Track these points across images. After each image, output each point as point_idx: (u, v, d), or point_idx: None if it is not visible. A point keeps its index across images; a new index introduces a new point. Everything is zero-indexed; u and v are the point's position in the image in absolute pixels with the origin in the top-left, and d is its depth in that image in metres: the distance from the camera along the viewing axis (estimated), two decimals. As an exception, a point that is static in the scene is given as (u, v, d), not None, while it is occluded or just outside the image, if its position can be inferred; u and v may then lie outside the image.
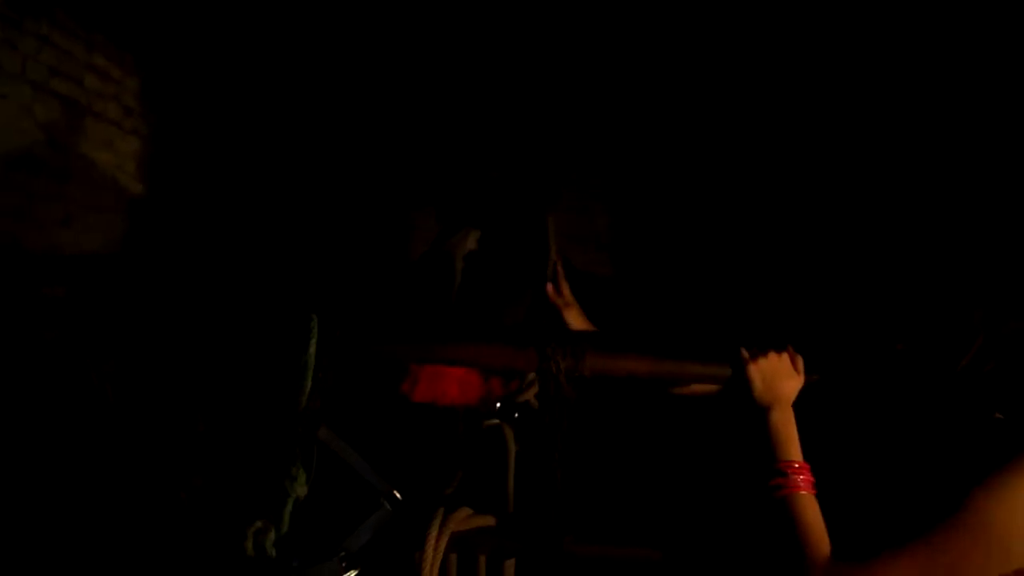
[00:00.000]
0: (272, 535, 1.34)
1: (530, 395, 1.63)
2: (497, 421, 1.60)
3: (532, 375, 1.54)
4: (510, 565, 1.43)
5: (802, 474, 1.20)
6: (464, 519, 1.41)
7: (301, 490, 1.37)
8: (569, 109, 2.33)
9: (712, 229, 2.29)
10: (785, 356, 1.32)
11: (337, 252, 1.88)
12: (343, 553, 1.37)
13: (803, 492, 1.19)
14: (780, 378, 1.29)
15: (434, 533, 1.36)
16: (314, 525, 1.39)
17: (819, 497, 1.20)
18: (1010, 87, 1.80)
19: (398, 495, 1.43)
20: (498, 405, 1.60)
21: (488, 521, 1.44)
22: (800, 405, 1.29)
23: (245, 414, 1.42)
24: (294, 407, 1.37)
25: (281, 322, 1.40)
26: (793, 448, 1.23)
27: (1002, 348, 1.14)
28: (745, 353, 1.32)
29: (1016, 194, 1.67)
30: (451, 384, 1.49)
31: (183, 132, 2.74)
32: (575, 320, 1.63)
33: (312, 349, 1.38)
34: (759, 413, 1.27)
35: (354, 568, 1.37)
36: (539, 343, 1.34)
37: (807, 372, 1.32)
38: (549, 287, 1.70)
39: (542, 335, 1.35)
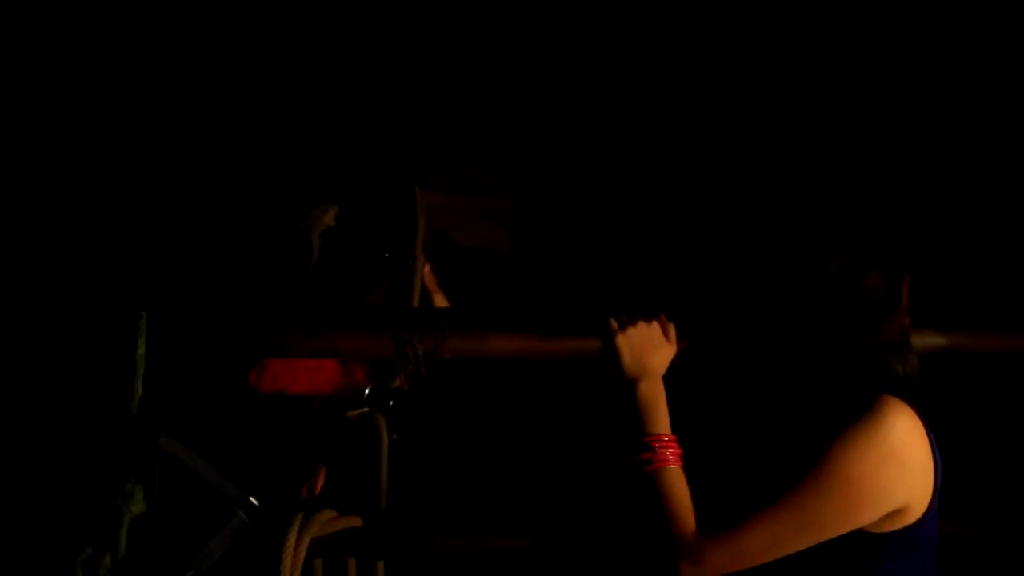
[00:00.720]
0: (107, 561, 1.21)
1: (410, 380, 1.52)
2: (367, 410, 1.49)
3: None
4: (382, 566, 1.34)
5: (670, 447, 1.16)
6: (327, 521, 1.30)
7: (138, 508, 1.23)
8: (456, 74, 2.20)
9: (609, 204, 2.22)
10: (656, 325, 1.26)
11: (174, 239, 1.71)
12: (191, 573, 1.24)
13: (671, 466, 1.15)
14: (650, 348, 1.23)
15: (292, 540, 1.25)
16: (158, 544, 1.26)
17: (687, 468, 1.16)
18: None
19: (255, 501, 1.31)
20: (367, 393, 1.49)
21: (354, 522, 1.33)
22: (671, 375, 1.24)
23: (71, 426, 1.27)
24: (124, 414, 1.23)
25: (106, 321, 1.26)
26: (661, 421, 1.19)
27: (858, 302, 1.11)
28: (614, 324, 1.25)
29: (867, 136, 1.67)
30: (299, 372, 1.37)
31: (11, 115, 2.48)
32: (440, 303, 1.53)
33: (141, 349, 1.24)
34: (627, 386, 1.21)
35: (206, 586, 1.25)
36: (393, 326, 1.23)
37: (679, 339, 1.27)
38: (427, 269, 1.61)
39: (396, 317, 1.24)
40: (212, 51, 1.86)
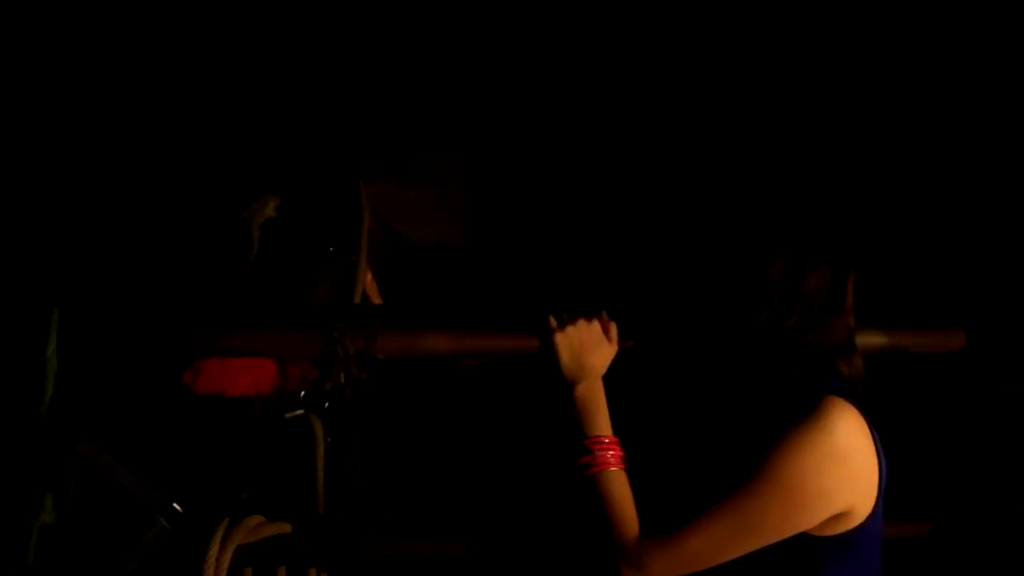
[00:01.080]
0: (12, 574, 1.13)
1: (341, 380, 1.46)
2: (303, 411, 1.43)
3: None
4: (314, 573, 1.29)
5: (611, 450, 1.13)
6: (254, 528, 1.24)
7: (48, 516, 1.16)
8: (407, 62, 2.13)
9: (559, 202, 2.18)
10: (596, 323, 1.22)
11: (94, 225, 1.61)
12: (108, 584, 1.18)
13: (612, 469, 1.12)
14: (589, 348, 1.19)
15: (215, 548, 1.18)
16: (71, 554, 1.19)
17: (630, 470, 1.13)
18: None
19: (178, 508, 1.25)
20: (303, 394, 1.43)
21: (283, 528, 1.27)
22: (613, 375, 1.20)
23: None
24: (32, 418, 1.16)
25: (11, 317, 1.18)
26: (602, 422, 1.15)
27: (802, 301, 1.08)
28: (553, 322, 1.22)
29: (810, 136, 1.66)
30: (238, 373, 1.30)
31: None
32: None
33: (51, 348, 1.16)
34: (566, 387, 1.18)
35: (123, 599, 1.18)
36: (324, 325, 1.18)
37: (622, 338, 1.23)
38: (369, 278, 1.54)
39: (327, 315, 1.19)
40: (139, 31, 1.76)
